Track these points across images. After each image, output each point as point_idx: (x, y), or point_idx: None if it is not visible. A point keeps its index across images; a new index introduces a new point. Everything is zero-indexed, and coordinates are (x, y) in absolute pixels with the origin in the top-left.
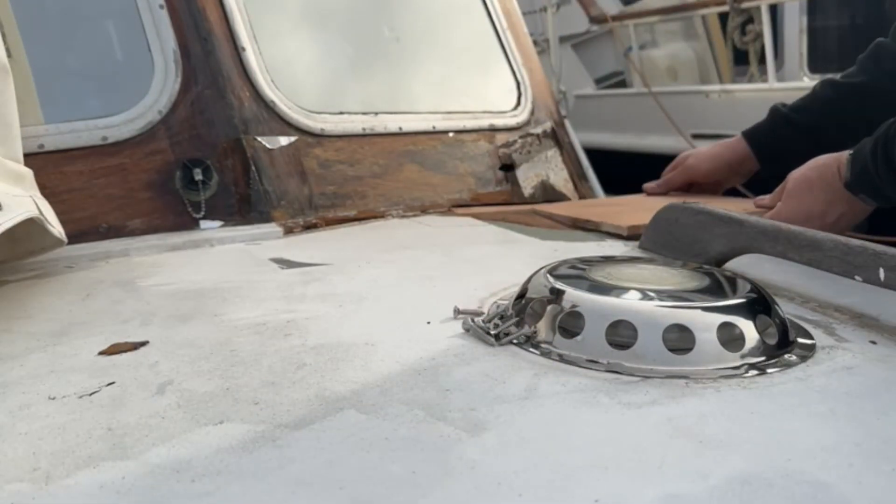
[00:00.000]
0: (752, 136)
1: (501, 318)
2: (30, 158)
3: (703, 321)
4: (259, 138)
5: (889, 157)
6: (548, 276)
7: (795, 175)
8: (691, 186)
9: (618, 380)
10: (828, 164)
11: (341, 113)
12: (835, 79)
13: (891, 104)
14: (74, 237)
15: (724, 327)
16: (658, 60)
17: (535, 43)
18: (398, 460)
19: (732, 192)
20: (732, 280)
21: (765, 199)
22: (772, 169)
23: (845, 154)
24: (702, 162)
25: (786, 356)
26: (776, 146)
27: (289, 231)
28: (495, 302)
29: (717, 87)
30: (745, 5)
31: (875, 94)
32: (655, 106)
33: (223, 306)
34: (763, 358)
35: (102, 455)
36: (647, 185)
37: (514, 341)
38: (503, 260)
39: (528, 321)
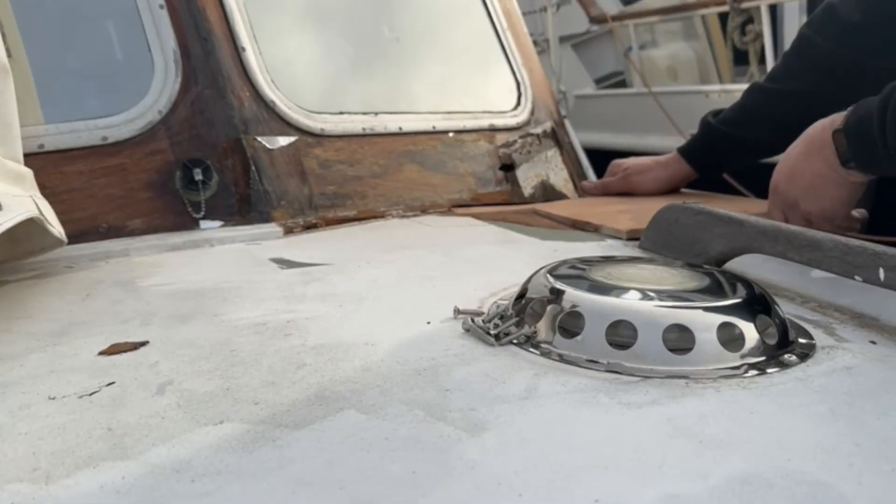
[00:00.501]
0: (690, 154)
1: (501, 318)
2: (30, 158)
3: (703, 321)
4: (259, 138)
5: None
6: (548, 276)
7: (795, 145)
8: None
9: (618, 380)
10: (820, 127)
11: (341, 113)
12: (764, 85)
13: (825, 104)
14: (74, 237)
15: (724, 327)
16: (658, 60)
17: (535, 43)
18: (398, 460)
19: (726, 190)
20: (732, 280)
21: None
22: (712, 177)
23: (839, 117)
24: (644, 182)
25: (786, 356)
26: (716, 161)
27: (289, 231)
28: (495, 302)
29: (717, 87)
30: (745, 5)
31: (807, 98)
32: (655, 106)
33: (223, 306)
34: (763, 358)
35: (102, 455)
36: (586, 184)
37: (514, 341)
38: (503, 260)
39: (528, 321)
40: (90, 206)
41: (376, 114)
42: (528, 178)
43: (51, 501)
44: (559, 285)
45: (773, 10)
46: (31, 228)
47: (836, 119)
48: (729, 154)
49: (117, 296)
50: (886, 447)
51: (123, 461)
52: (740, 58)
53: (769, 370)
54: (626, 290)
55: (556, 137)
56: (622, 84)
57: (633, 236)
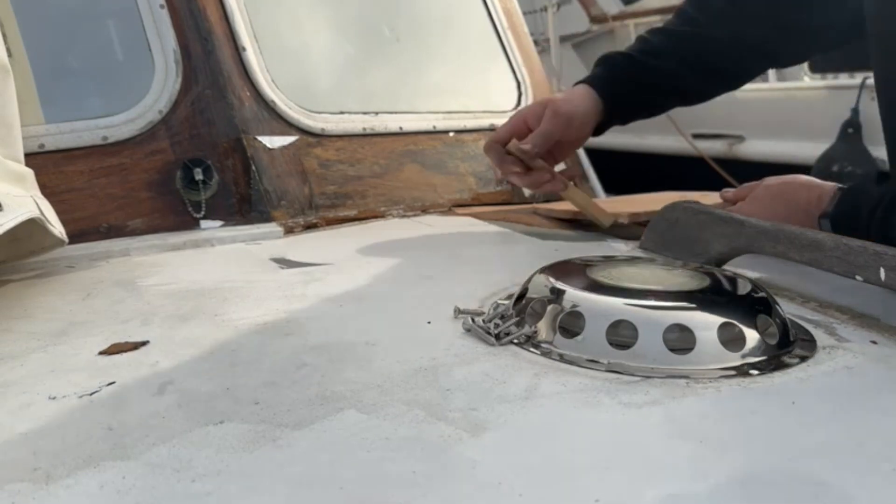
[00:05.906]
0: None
1: (502, 317)
2: (30, 158)
3: (704, 321)
4: (259, 138)
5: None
6: (548, 275)
7: (770, 182)
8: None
9: (618, 380)
10: (809, 187)
11: (342, 113)
12: (663, 27)
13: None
14: (75, 237)
15: (725, 327)
16: None
17: (536, 43)
18: (398, 460)
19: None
20: (733, 280)
21: (729, 192)
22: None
23: (830, 187)
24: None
25: (786, 356)
26: (627, 92)
27: (289, 231)
28: (495, 302)
29: None
30: None
31: (710, 41)
32: None
33: (223, 306)
34: (764, 358)
35: (102, 455)
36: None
37: (515, 341)
38: (503, 260)
39: (528, 321)
40: (91, 206)
41: (377, 113)
42: None
43: (51, 501)
44: (559, 285)
45: None
46: (31, 228)
47: (823, 197)
48: (642, 86)
49: (118, 295)
50: (887, 447)
51: (123, 461)
52: None
53: (770, 370)
54: (627, 289)
55: None
56: None
57: (634, 220)
